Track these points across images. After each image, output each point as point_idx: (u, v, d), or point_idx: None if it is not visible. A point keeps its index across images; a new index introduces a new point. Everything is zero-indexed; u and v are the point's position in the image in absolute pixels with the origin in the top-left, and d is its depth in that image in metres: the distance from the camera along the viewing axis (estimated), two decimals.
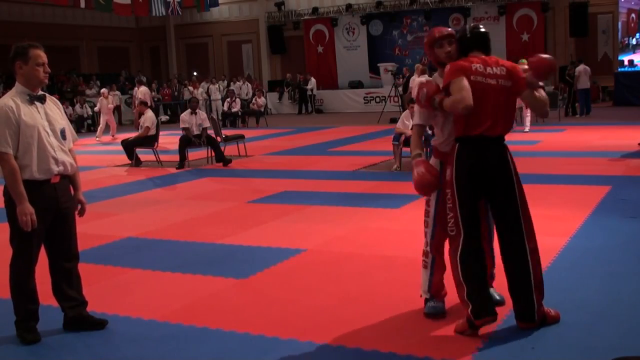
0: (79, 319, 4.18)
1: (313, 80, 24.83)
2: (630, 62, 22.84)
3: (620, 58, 22.90)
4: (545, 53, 20.07)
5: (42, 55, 3.97)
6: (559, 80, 21.27)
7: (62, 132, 4.05)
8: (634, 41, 23.78)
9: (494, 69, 3.82)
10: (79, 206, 4.22)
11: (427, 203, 4.15)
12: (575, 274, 4.82)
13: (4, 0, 24.75)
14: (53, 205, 3.98)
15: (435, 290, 4.16)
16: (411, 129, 9.86)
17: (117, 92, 23.84)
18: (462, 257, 3.79)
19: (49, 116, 4.00)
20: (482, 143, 3.79)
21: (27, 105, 3.93)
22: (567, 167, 9.65)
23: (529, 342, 3.67)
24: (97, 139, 18.25)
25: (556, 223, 6.30)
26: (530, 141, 12.94)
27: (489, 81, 3.78)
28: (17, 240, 3.96)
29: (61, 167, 4.01)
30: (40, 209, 3.88)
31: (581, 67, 18.42)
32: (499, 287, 4.23)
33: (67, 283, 4.16)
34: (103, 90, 19.25)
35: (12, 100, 3.91)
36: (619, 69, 22.30)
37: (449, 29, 4.14)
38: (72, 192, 4.18)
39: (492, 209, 3.94)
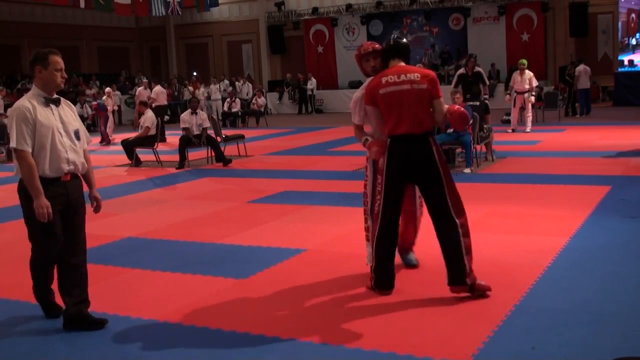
0: (79, 317, 4.22)
1: (314, 80, 24.83)
2: (630, 62, 22.83)
3: (620, 58, 22.89)
4: (545, 53, 20.06)
5: (61, 62, 4.19)
6: (559, 80, 21.27)
7: (76, 133, 4.26)
8: (633, 41, 23.77)
9: (408, 75, 4.43)
10: (95, 203, 4.36)
11: (364, 187, 4.88)
12: (575, 274, 4.82)
13: (4, 0, 24.75)
14: (64, 201, 4.14)
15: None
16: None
17: (117, 92, 23.83)
18: (379, 236, 4.51)
19: (63, 118, 4.21)
20: (408, 141, 4.40)
21: (43, 107, 4.14)
22: (567, 167, 9.65)
23: (529, 342, 3.67)
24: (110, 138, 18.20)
25: (556, 223, 6.31)
26: (530, 141, 12.94)
27: (403, 87, 4.40)
28: (37, 234, 4.14)
29: (72, 167, 4.19)
30: (51, 204, 4.03)
31: (581, 67, 18.41)
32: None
33: (72, 279, 4.24)
34: (108, 89, 19.26)
35: (29, 101, 4.12)
36: (619, 69, 22.30)
37: (376, 45, 4.77)
38: (88, 189, 4.36)
39: (421, 193, 4.57)
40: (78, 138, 4.25)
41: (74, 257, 4.22)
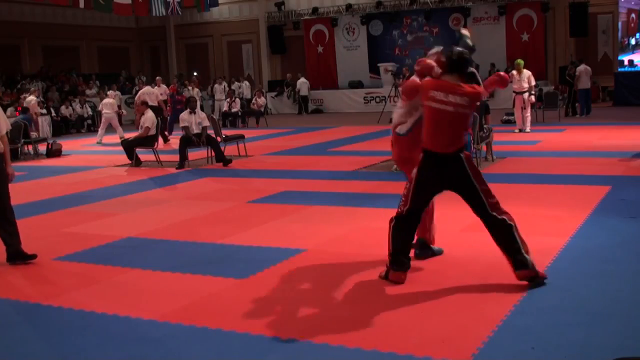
0: (18, 253, 5.77)
1: (302, 80, 24.76)
2: (630, 62, 22.83)
3: (620, 58, 22.88)
4: (545, 53, 20.07)
5: None
6: (559, 80, 21.26)
7: None
8: (633, 41, 23.77)
9: (456, 97, 4.47)
10: (8, 177, 5.77)
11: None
12: (575, 274, 4.82)
13: (4, 0, 24.75)
14: None
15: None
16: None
17: (118, 92, 23.82)
18: (393, 229, 4.73)
19: None
20: (441, 159, 4.56)
21: None
22: (567, 167, 9.65)
23: (529, 342, 3.67)
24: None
25: (556, 223, 6.31)
26: (530, 141, 12.94)
27: (446, 108, 4.46)
28: None
29: None
30: None
31: (582, 67, 18.40)
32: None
33: (9, 229, 5.75)
34: (110, 92, 19.18)
35: None
36: (619, 69, 22.29)
37: None
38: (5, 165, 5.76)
39: (465, 200, 4.69)
40: None
41: (5, 213, 5.71)
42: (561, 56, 23.46)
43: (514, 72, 14.45)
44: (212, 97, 23.46)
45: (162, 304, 4.62)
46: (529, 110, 14.63)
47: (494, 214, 4.57)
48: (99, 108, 18.81)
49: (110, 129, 17.82)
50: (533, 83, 14.67)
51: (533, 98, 14.75)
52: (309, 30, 27.21)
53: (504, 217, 4.57)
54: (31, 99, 17.26)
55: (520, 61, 14.70)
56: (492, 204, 4.60)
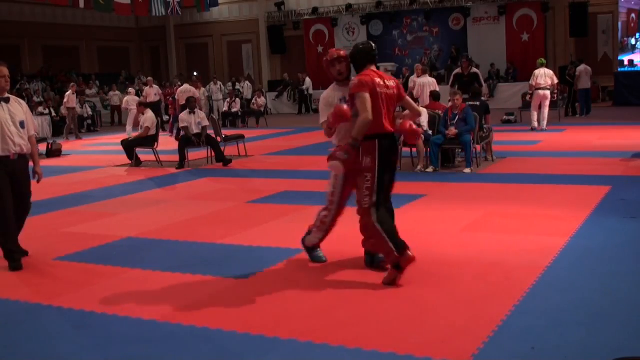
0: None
1: (308, 80, 24.81)
2: (630, 62, 22.81)
3: (620, 58, 22.87)
4: (545, 53, 20.12)
5: (3, 70, 5.54)
6: (559, 80, 21.24)
7: (21, 123, 5.65)
8: (633, 41, 23.76)
9: (388, 82, 5.02)
10: (37, 176, 5.80)
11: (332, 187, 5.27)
12: (575, 274, 4.82)
13: (4, 0, 24.76)
14: (11, 173, 5.56)
15: (318, 243, 5.47)
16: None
17: (118, 92, 23.81)
18: (380, 222, 4.86)
19: (11, 112, 5.60)
20: (391, 137, 5.01)
21: None
22: (567, 167, 9.65)
23: (529, 342, 3.67)
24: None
25: (556, 223, 6.31)
26: (530, 141, 12.94)
27: (388, 92, 4.98)
28: None
29: (18, 148, 5.60)
30: (3, 174, 5.50)
31: (582, 67, 18.40)
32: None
33: (18, 228, 5.82)
34: (130, 89, 19.20)
35: None
36: (619, 69, 22.28)
37: (341, 52, 5.19)
38: (34, 165, 5.81)
39: (387, 182, 5.04)
40: (23, 127, 5.63)
41: (22, 215, 5.74)
42: (561, 56, 23.45)
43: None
44: (210, 97, 23.51)
45: (162, 304, 4.62)
46: (547, 109, 14.69)
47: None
48: (123, 105, 19.23)
49: (119, 128, 17.71)
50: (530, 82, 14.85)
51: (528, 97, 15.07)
52: (309, 30, 27.21)
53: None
54: (69, 94, 19.22)
55: (543, 60, 15.01)
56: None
